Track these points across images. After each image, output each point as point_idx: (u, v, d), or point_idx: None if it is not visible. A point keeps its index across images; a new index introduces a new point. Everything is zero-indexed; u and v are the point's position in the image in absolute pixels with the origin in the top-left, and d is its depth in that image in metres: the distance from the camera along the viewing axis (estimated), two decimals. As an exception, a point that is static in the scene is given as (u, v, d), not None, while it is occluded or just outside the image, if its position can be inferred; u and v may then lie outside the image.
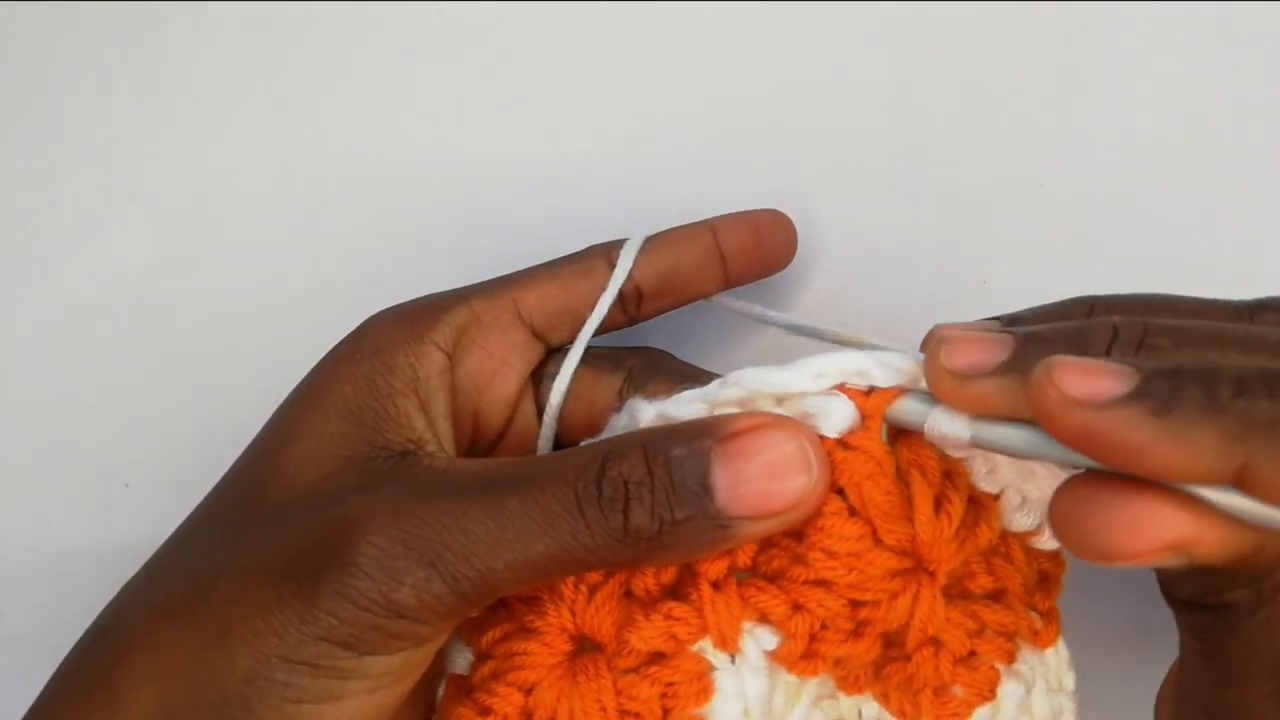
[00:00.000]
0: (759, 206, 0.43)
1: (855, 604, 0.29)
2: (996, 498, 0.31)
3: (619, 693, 0.29)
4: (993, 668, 0.30)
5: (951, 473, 0.30)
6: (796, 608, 0.29)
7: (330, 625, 0.27)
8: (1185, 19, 0.45)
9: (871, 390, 0.29)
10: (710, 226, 0.38)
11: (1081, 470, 0.27)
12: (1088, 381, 0.24)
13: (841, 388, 0.29)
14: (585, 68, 0.48)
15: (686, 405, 0.30)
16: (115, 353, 0.48)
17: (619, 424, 0.32)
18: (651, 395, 0.32)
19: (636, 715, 0.29)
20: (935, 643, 0.30)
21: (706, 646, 0.29)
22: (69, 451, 0.47)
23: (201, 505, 0.35)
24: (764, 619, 0.30)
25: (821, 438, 0.29)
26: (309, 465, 0.32)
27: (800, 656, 0.30)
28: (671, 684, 0.29)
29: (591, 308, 0.36)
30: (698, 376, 0.35)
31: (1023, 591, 0.32)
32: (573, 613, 0.30)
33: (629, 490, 0.27)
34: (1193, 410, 0.23)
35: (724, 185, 0.46)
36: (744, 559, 0.30)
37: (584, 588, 0.30)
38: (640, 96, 0.48)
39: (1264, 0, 0.45)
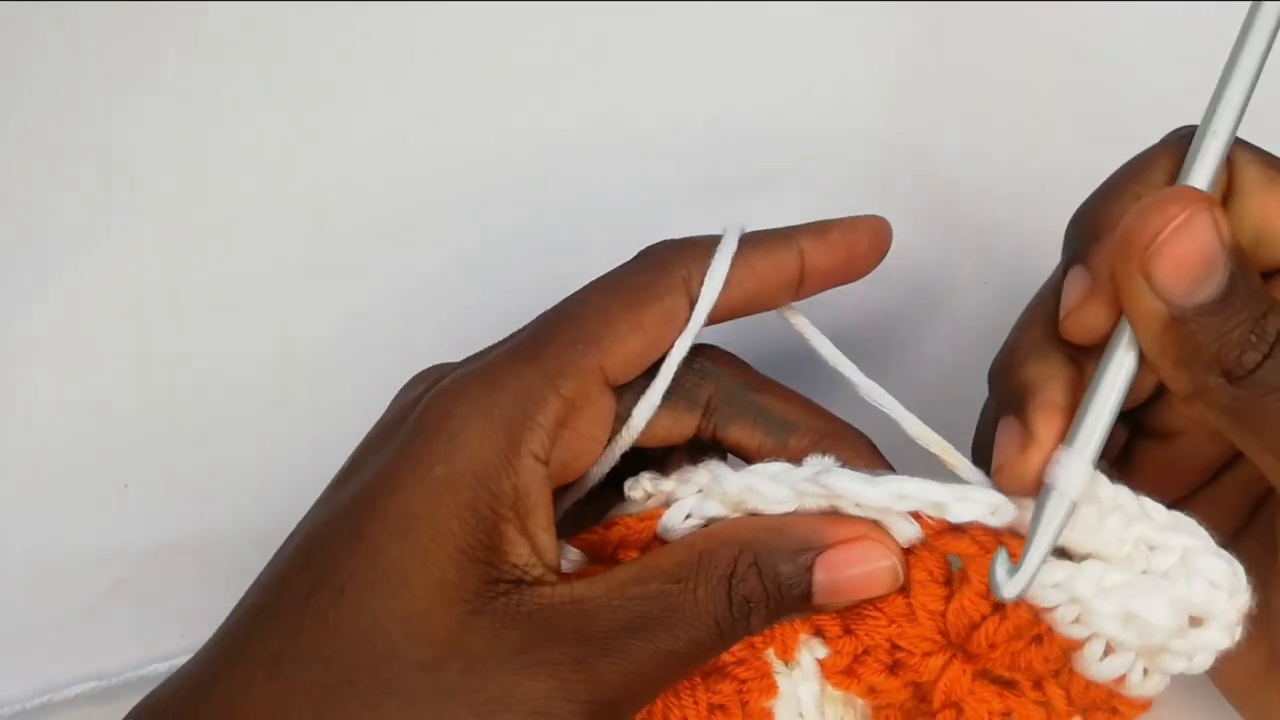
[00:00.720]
0: (759, 207, 0.42)
1: (895, 646, 0.33)
2: (1077, 645, 0.32)
3: (709, 689, 0.33)
4: None
5: (1008, 613, 0.32)
6: (848, 631, 0.33)
7: None
8: (1185, 19, 0.45)
9: (954, 530, 0.32)
10: (799, 247, 0.35)
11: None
12: (1068, 295, 0.32)
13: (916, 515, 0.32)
14: (585, 67, 0.48)
15: (773, 487, 0.32)
16: (115, 353, 0.47)
17: (699, 480, 0.33)
18: (736, 441, 0.35)
19: (722, 707, 0.33)
20: (957, 708, 0.33)
21: (771, 655, 0.34)
22: (69, 452, 0.47)
23: (281, 623, 0.31)
24: (819, 633, 0.34)
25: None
26: (438, 620, 0.30)
27: (841, 671, 0.34)
28: (745, 681, 0.34)
29: (666, 348, 0.34)
30: (778, 418, 0.35)
31: (1064, 710, 0.33)
32: None
33: (750, 607, 0.31)
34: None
35: (724, 185, 0.46)
36: None
37: None
38: (641, 96, 0.48)
39: (1264, 0, 0.45)
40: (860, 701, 0.35)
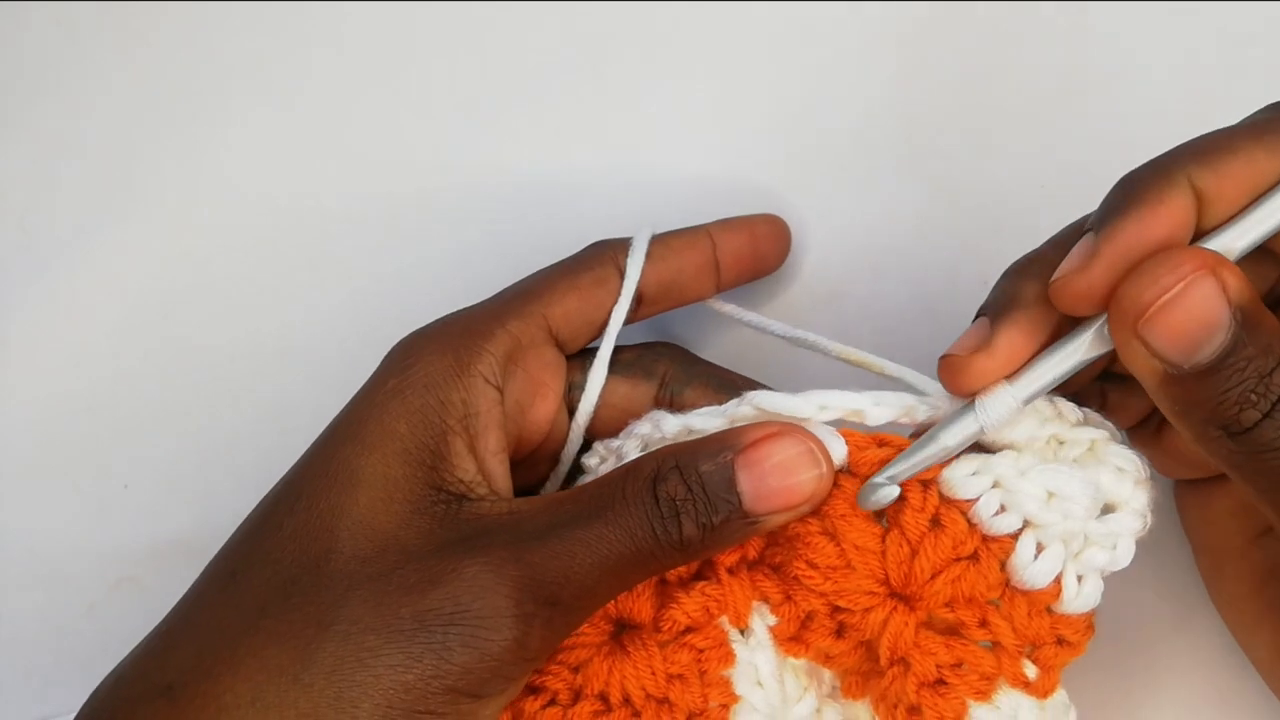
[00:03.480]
0: (758, 208, 0.43)
1: (836, 608, 0.33)
2: (1014, 538, 0.32)
3: (665, 658, 0.33)
4: (960, 700, 0.32)
5: (942, 521, 0.32)
6: (787, 598, 0.34)
7: (461, 676, 0.30)
8: (1185, 19, 0.45)
9: (882, 442, 0.33)
10: (709, 234, 0.40)
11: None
12: (1071, 260, 0.31)
13: (844, 431, 0.33)
14: (583, 66, 0.48)
15: (708, 420, 0.34)
16: (115, 352, 0.48)
17: (639, 430, 0.35)
18: (692, 403, 0.37)
19: (680, 676, 0.33)
20: (904, 664, 0.33)
21: (725, 621, 0.34)
22: (68, 452, 0.47)
23: (231, 561, 0.33)
24: (766, 599, 0.34)
25: None
26: (380, 514, 0.32)
27: (789, 639, 0.34)
28: (703, 650, 0.34)
29: (605, 315, 0.38)
30: (726, 380, 0.39)
31: (1016, 647, 0.32)
32: (615, 600, 0.34)
33: (678, 507, 0.31)
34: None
35: (725, 185, 0.46)
36: (753, 553, 0.35)
37: None
38: (639, 96, 0.48)
39: (1264, 0, 0.45)
40: (827, 672, 0.35)
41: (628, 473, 0.32)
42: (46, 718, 0.44)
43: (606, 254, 0.38)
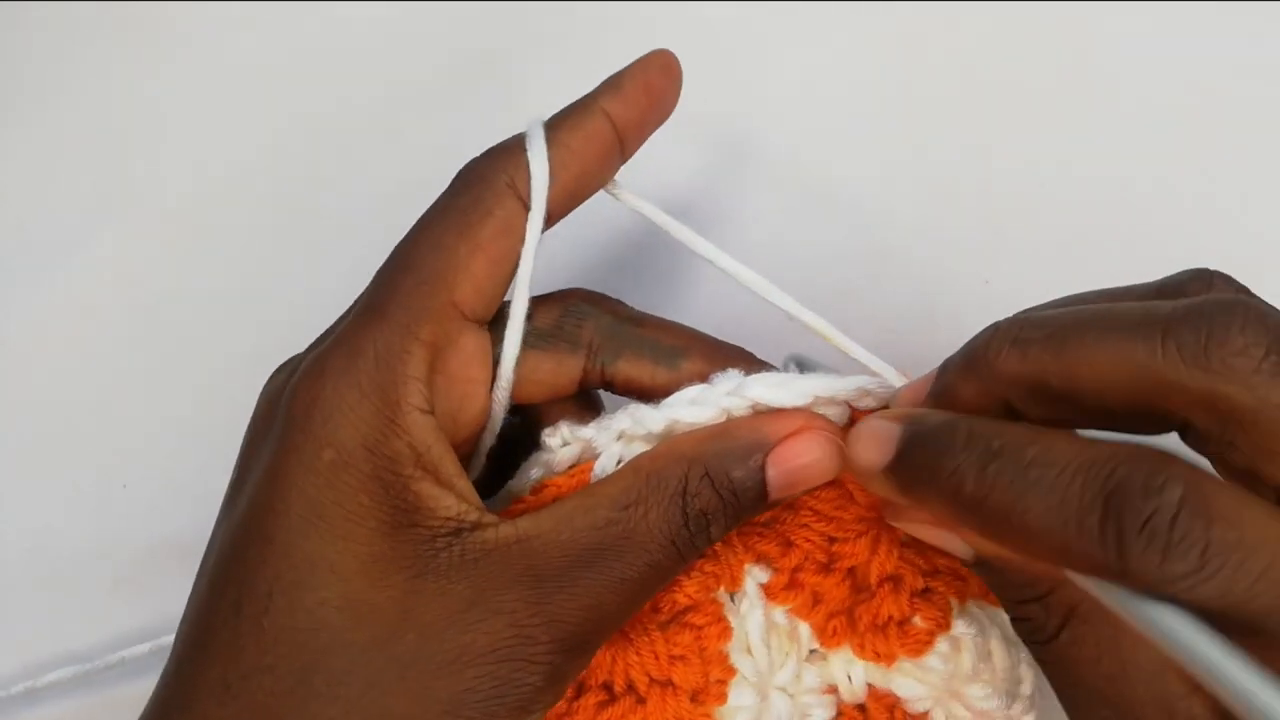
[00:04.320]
0: (759, 206, 0.42)
1: (830, 539, 0.34)
2: None
3: (666, 640, 0.34)
4: (946, 599, 0.34)
5: None
6: (788, 544, 0.35)
7: None
8: (1185, 19, 0.45)
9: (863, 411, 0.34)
10: (604, 111, 0.34)
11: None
12: (862, 450, 0.30)
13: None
14: (582, 65, 0.48)
15: (697, 412, 0.32)
16: (113, 354, 0.48)
17: (617, 425, 0.33)
18: (626, 377, 0.35)
19: (682, 657, 0.34)
20: (894, 579, 0.34)
21: (721, 593, 0.34)
22: (68, 452, 0.47)
23: (225, 650, 0.29)
24: (760, 558, 0.35)
25: None
26: (381, 596, 0.29)
27: (785, 587, 0.35)
28: (702, 627, 0.34)
29: (516, 265, 0.33)
30: (663, 346, 0.35)
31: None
32: None
33: (709, 518, 0.31)
34: (922, 483, 0.28)
35: (722, 185, 0.46)
36: None
37: None
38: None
39: (1264, 0, 0.45)
40: (805, 632, 0.35)
41: (648, 489, 0.30)
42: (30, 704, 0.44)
43: (500, 183, 0.32)
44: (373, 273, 0.47)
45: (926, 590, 0.34)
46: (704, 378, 0.33)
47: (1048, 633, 0.29)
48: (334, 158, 0.49)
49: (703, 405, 0.32)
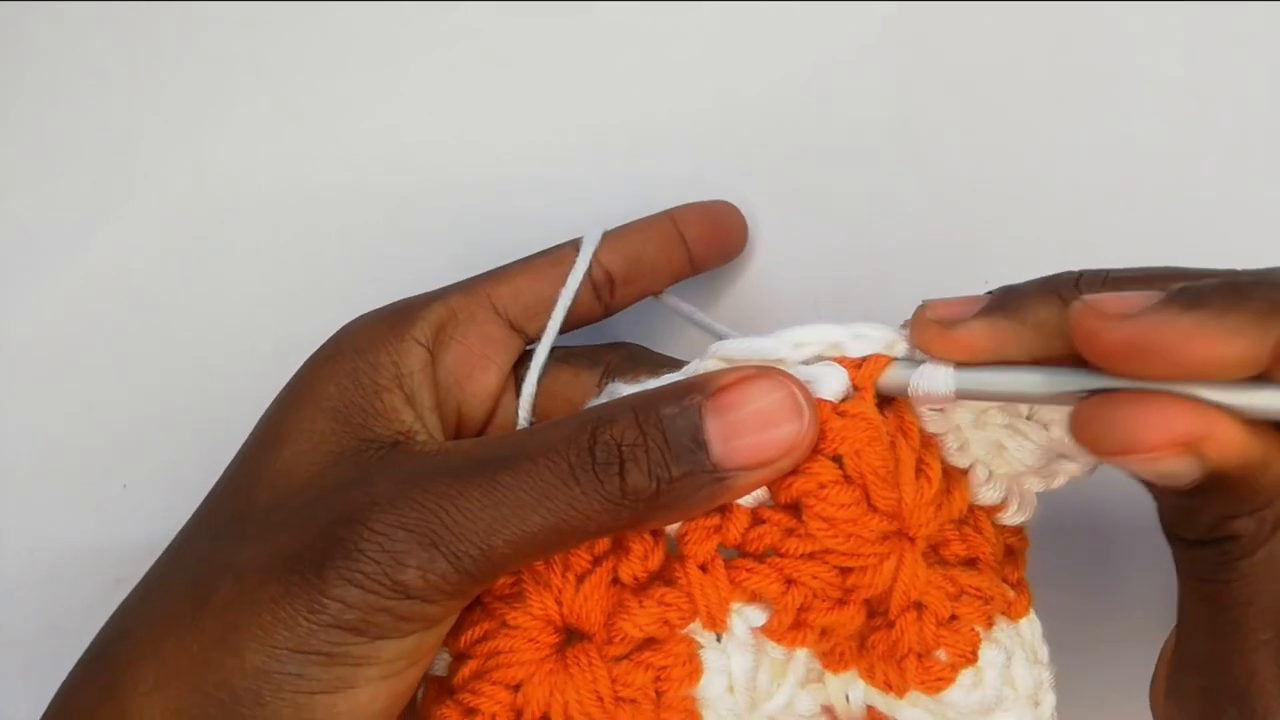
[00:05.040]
0: (758, 207, 0.43)
1: (844, 571, 0.30)
2: (966, 471, 0.32)
3: (614, 680, 0.29)
4: (974, 630, 0.31)
5: (928, 443, 0.31)
6: (789, 583, 0.30)
7: (339, 611, 0.28)
8: (1185, 19, 0.45)
9: (862, 361, 0.30)
10: (670, 216, 0.40)
11: (1076, 395, 0.28)
12: (1121, 300, 0.26)
13: (839, 359, 0.30)
14: (581, 65, 0.48)
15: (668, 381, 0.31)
16: (113, 353, 0.48)
17: (596, 404, 0.32)
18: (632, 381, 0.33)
19: (632, 701, 0.29)
20: (918, 606, 0.31)
21: (696, 628, 0.30)
22: (67, 452, 0.47)
23: (195, 515, 0.34)
24: (754, 598, 0.30)
25: (819, 402, 0.30)
26: (300, 464, 0.31)
27: (789, 628, 0.30)
28: (664, 668, 0.30)
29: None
30: (677, 367, 0.34)
31: (993, 561, 0.32)
32: (559, 602, 0.30)
33: (623, 452, 0.28)
34: (1220, 300, 0.25)
35: (724, 186, 0.46)
36: (733, 536, 0.30)
37: (571, 576, 0.30)
38: (637, 96, 0.48)
39: (1264, 0, 0.45)
40: (803, 655, 0.32)
41: (569, 417, 0.29)
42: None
43: (567, 243, 0.38)
44: (376, 273, 0.49)
45: (953, 618, 0.31)
46: None
47: (1251, 546, 0.27)
48: (340, 157, 0.49)
49: (676, 377, 0.31)
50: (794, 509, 0.30)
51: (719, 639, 0.30)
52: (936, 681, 0.31)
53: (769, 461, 0.28)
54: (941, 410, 0.31)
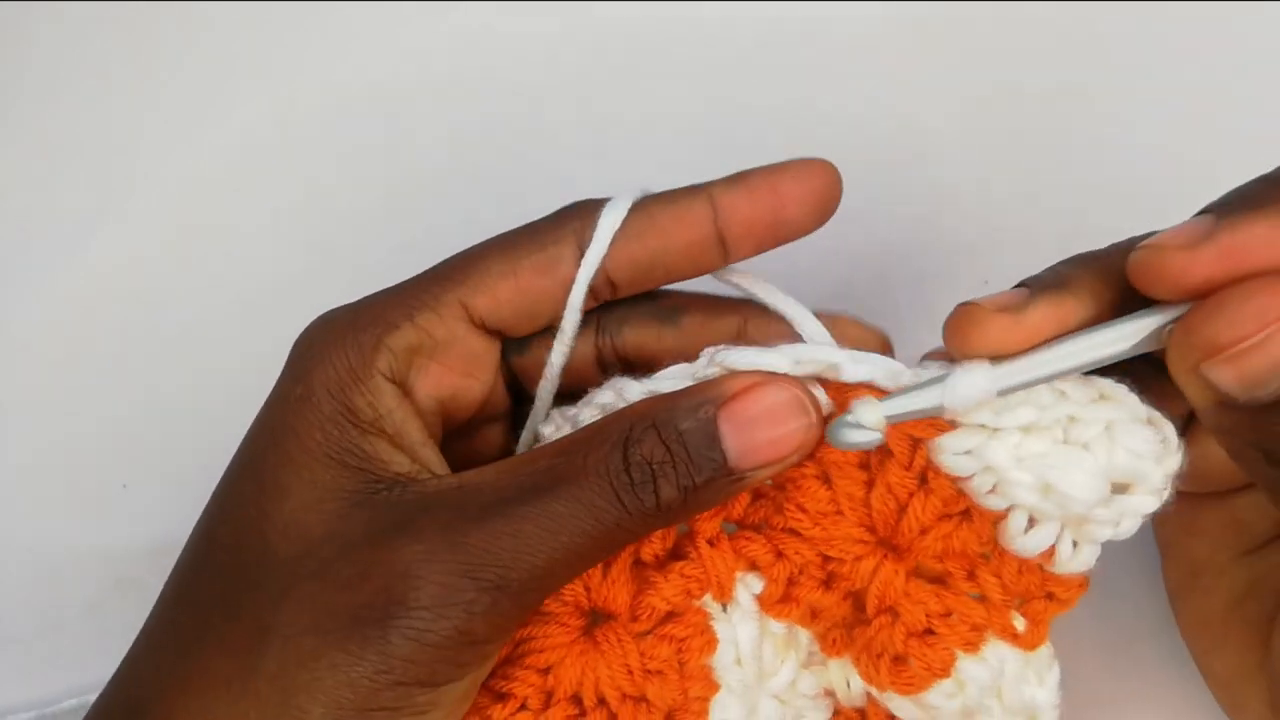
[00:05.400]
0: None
1: (826, 558, 0.32)
2: (1001, 515, 0.31)
3: (641, 653, 0.31)
4: (949, 649, 0.31)
5: (930, 483, 0.31)
6: (778, 555, 0.32)
7: (406, 669, 0.28)
8: (1185, 19, 0.45)
9: (858, 386, 0.31)
10: (710, 199, 0.32)
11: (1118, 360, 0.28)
12: (1181, 232, 0.27)
13: (821, 380, 0.31)
14: (581, 65, 0.48)
15: (675, 384, 0.31)
16: (113, 354, 0.48)
17: (600, 399, 0.32)
18: (636, 346, 0.34)
19: (659, 672, 0.31)
20: (892, 613, 0.31)
21: (708, 600, 0.32)
22: (67, 452, 0.47)
23: (181, 577, 0.33)
24: (752, 566, 0.32)
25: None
26: (311, 514, 0.30)
27: (778, 600, 0.32)
28: (684, 639, 0.31)
29: (551, 306, 0.33)
30: (665, 306, 0.35)
31: (1002, 601, 0.32)
32: (587, 588, 0.32)
33: (654, 470, 0.29)
34: (1269, 194, 0.26)
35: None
36: (736, 512, 0.32)
37: (598, 565, 0.32)
38: (637, 96, 0.48)
39: (1264, 0, 0.45)
40: (804, 637, 0.33)
41: (592, 436, 0.30)
42: (45, 716, 0.44)
43: (570, 224, 0.33)
44: (377, 271, 0.48)
45: (929, 633, 0.31)
46: (707, 330, 0.33)
47: None
48: (337, 157, 0.49)
49: (680, 378, 0.31)
50: (782, 489, 0.32)
51: (725, 609, 0.32)
52: (906, 686, 0.31)
53: (780, 458, 0.30)
54: (969, 452, 0.30)
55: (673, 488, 0.29)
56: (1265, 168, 0.45)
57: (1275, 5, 0.45)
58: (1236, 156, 0.45)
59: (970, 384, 0.29)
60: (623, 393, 0.32)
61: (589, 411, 0.32)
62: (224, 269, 0.48)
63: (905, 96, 0.46)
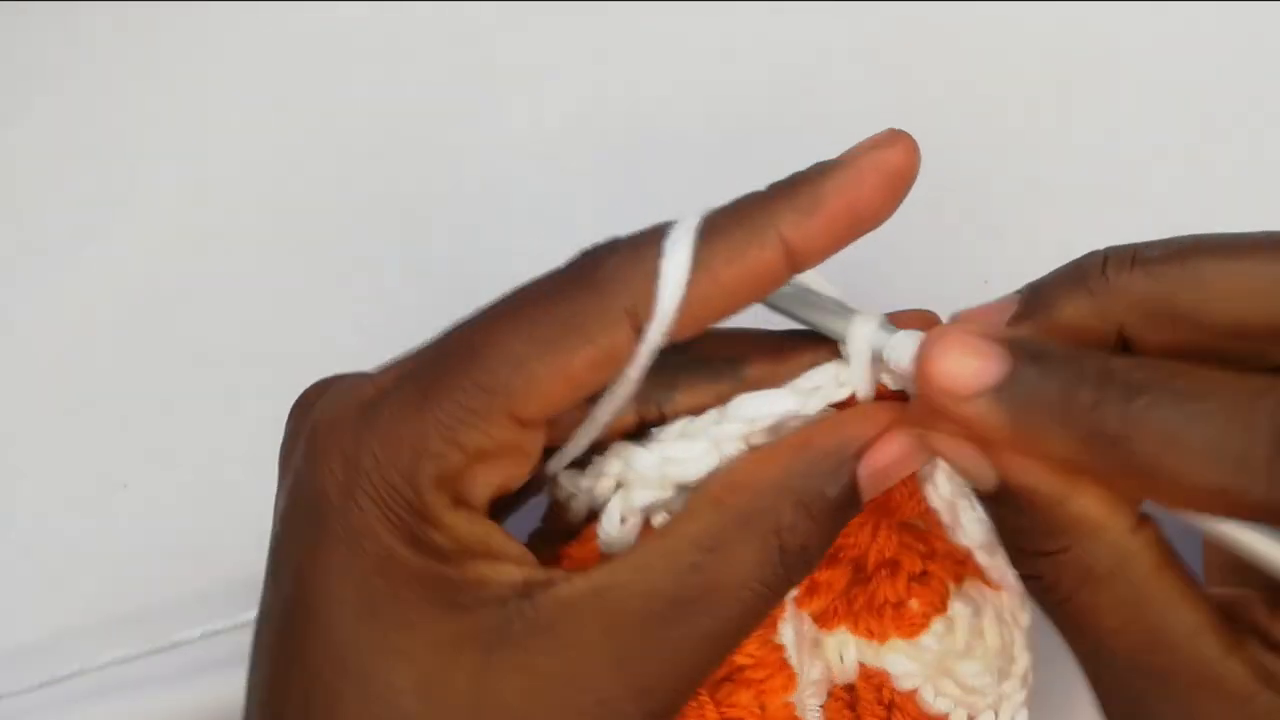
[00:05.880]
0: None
1: None
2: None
3: (718, 703, 0.30)
4: (944, 583, 0.33)
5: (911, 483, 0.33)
6: None
7: None
8: (1186, 19, 0.45)
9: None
10: (782, 239, 0.27)
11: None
12: (955, 364, 0.26)
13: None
14: (580, 65, 0.48)
15: (687, 448, 0.29)
16: (114, 352, 0.47)
17: (610, 470, 0.30)
18: (690, 409, 0.30)
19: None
20: (892, 564, 0.33)
21: (780, 634, 0.32)
22: (67, 452, 0.47)
23: None
24: None
25: None
26: (449, 674, 0.26)
27: (806, 592, 0.33)
28: (764, 680, 0.31)
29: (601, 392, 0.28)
30: (716, 366, 0.31)
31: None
32: None
33: (808, 554, 0.28)
34: (1044, 416, 0.25)
35: (721, 186, 0.46)
36: None
37: None
38: (636, 96, 0.48)
39: (1264, 0, 0.45)
40: (805, 621, 0.34)
41: (737, 527, 0.27)
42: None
43: (618, 307, 0.27)
44: (378, 277, 0.46)
45: (924, 574, 0.33)
46: (776, 378, 0.29)
47: (1060, 594, 0.27)
48: (338, 157, 0.49)
49: (693, 439, 0.29)
50: None
51: (782, 631, 0.32)
52: (911, 626, 0.33)
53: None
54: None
55: (819, 555, 0.29)
56: (1265, 167, 0.45)
57: (1275, 5, 0.45)
58: (1237, 157, 0.45)
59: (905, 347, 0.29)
60: (631, 462, 0.29)
61: (603, 483, 0.30)
62: (225, 269, 0.48)
63: (904, 95, 0.46)
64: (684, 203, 0.45)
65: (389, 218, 0.48)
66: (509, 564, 0.27)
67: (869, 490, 0.28)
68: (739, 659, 0.30)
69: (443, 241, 0.48)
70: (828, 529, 0.28)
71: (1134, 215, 0.45)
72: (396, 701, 0.26)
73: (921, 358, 0.26)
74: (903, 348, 0.28)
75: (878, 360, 0.29)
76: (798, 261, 0.28)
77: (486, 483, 0.28)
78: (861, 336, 0.29)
